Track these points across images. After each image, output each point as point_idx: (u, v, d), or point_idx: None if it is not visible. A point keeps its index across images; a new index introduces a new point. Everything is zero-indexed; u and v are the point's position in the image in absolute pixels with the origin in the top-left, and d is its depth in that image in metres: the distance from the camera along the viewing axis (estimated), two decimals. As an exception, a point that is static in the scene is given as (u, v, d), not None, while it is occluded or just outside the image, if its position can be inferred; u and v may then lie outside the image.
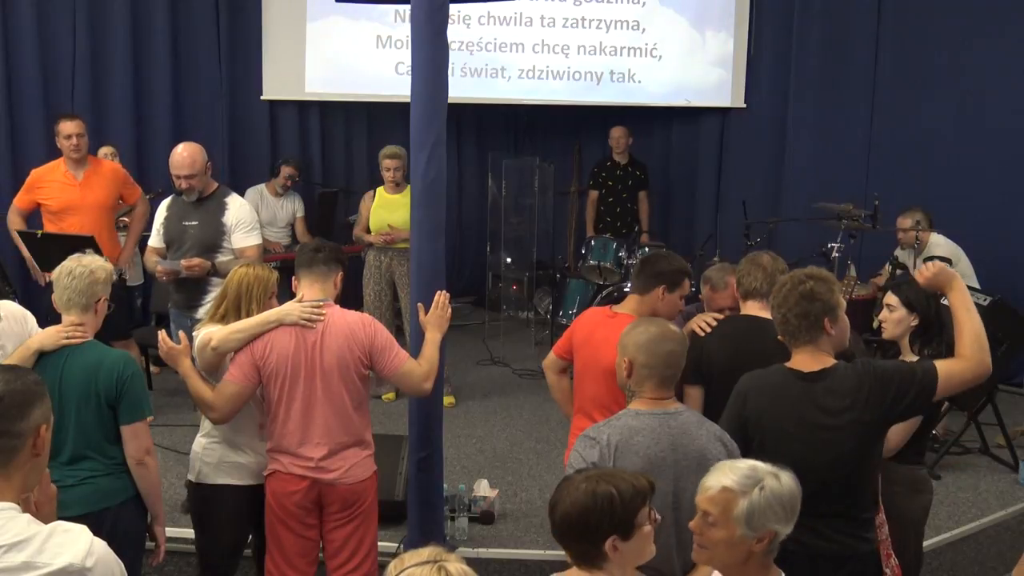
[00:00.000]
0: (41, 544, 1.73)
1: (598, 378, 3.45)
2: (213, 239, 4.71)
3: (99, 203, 5.48)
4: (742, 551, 2.16)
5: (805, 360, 2.79)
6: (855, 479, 2.76)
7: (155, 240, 4.88)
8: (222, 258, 4.70)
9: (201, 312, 4.48)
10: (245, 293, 3.37)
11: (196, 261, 4.63)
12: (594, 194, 7.75)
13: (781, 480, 2.16)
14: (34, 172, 5.60)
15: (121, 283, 5.62)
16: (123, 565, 1.85)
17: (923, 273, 2.93)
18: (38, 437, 1.86)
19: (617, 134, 7.68)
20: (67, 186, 5.44)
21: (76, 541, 1.76)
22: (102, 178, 5.53)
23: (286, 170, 7.07)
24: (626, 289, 5.81)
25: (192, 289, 4.74)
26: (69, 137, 5.40)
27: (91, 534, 1.81)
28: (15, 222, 5.54)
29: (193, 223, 4.72)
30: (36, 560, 1.71)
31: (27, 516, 1.77)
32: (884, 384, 2.72)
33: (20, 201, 5.56)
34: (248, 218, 4.79)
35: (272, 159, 7.59)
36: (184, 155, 4.65)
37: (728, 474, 2.17)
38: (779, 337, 2.84)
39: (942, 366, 2.73)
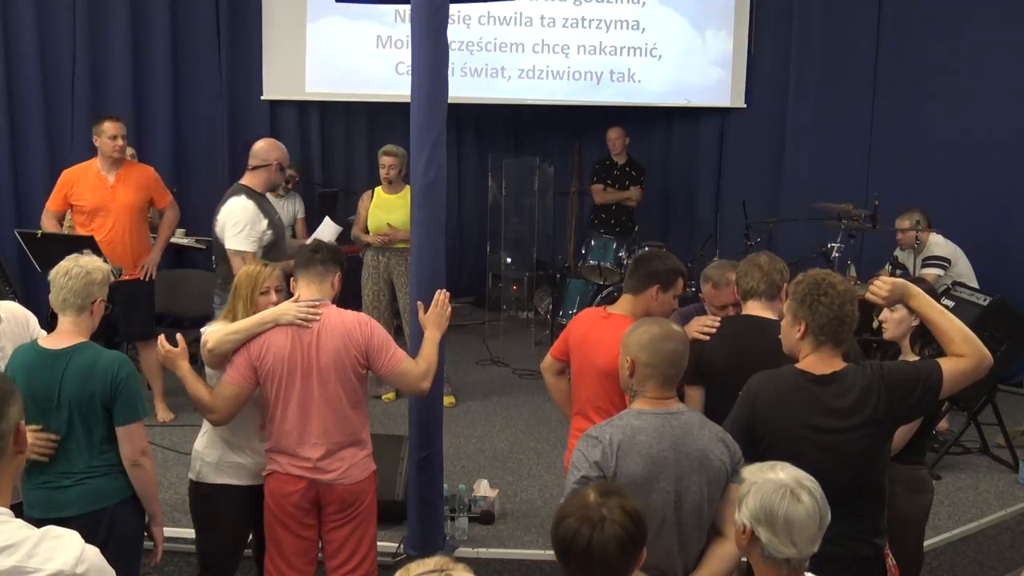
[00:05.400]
0: (31, 549, 1.70)
1: (593, 379, 3.45)
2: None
3: (129, 205, 5.43)
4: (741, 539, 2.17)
5: (818, 362, 2.79)
6: (862, 481, 2.76)
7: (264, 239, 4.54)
8: None
9: None
10: (234, 291, 3.40)
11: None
12: (599, 187, 7.71)
13: (801, 500, 2.09)
14: (65, 173, 5.54)
15: (149, 286, 5.58)
16: (116, 573, 1.80)
17: (876, 294, 2.85)
18: (18, 434, 1.82)
19: (613, 135, 7.66)
20: (99, 187, 5.40)
21: (67, 547, 1.73)
22: (134, 180, 5.47)
23: (288, 172, 7.06)
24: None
25: None
26: (115, 138, 5.38)
27: (83, 540, 1.77)
28: (49, 225, 5.46)
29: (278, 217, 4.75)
30: (25, 565, 1.68)
31: (19, 521, 1.75)
32: (892, 386, 2.72)
33: (52, 203, 5.48)
34: None
35: (272, 159, 7.58)
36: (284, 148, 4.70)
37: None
38: (811, 337, 2.77)
39: (946, 364, 2.73)
